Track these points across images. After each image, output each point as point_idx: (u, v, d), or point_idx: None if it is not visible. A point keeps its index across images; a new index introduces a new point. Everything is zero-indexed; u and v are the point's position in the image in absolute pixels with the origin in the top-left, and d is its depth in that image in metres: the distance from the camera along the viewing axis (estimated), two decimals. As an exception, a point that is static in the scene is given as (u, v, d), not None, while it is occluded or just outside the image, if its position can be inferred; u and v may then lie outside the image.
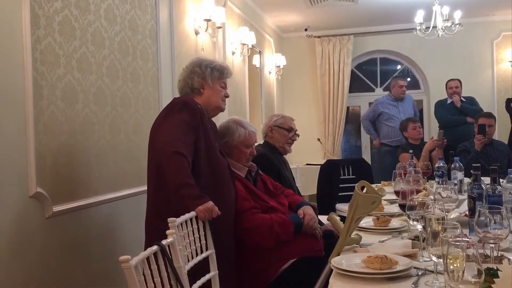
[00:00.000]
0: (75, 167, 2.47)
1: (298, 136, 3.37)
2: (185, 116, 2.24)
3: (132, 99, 3.02)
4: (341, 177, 4.49)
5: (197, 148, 2.25)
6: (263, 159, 3.00)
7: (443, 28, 5.42)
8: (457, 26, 5.40)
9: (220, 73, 2.46)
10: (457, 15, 5.39)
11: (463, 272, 1.17)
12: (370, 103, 7.82)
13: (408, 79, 7.45)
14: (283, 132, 3.26)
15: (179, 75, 2.52)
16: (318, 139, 7.37)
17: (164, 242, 1.65)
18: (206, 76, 2.42)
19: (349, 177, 4.49)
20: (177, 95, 2.55)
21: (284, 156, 3.37)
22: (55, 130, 2.33)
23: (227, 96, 2.51)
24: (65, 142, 2.40)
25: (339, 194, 4.29)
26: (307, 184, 5.94)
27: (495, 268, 1.37)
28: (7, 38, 2.05)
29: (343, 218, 2.26)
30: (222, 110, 2.53)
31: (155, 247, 1.59)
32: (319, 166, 4.73)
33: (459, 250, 1.17)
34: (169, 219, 1.84)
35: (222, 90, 2.47)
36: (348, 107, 7.56)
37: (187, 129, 2.22)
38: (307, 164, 6.74)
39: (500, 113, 6.28)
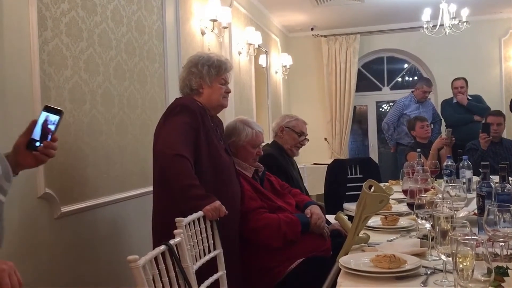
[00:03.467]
0: (82, 168, 2.48)
1: (308, 140, 3.35)
2: (184, 118, 2.24)
3: (139, 99, 3.03)
4: (348, 177, 4.47)
5: (199, 149, 2.25)
6: (270, 159, 2.99)
7: (450, 26, 5.39)
8: (464, 24, 5.37)
9: (218, 70, 2.41)
10: (464, 13, 5.36)
11: (473, 270, 1.16)
12: (377, 102, 7.83)
13: (416, 78, 7.43)
14: (293, 135, 3.23)
15: (179, 76, 2.52)
16: (325, 139, 7.35)
17: (171, 242, 1.66)
18: (203, 76, 2.39)
19: (356, 176, 4.46)
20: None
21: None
22: (62, 131, 2.34)
23: (228, 92, 2.47)
24: (73, 143, 2.41)
25: (347, 193, 4.27)
26: (314, 184, 5.92)
27: (505, 266, 1.36)
28: (15, 40, 2.06)
29: (350, 218, 2.25)
30: (224, 107, 2.51)
31: (162, 247, 1.60)
32: (326, 165, 4.72)
33: (469, 248, 1.16)
34: (177, 219, 1.84)
35: (221, 87, 2.43)
36: (355, 107, 7.54)
37: (187, 130, 2.22)
38: (314, 164, 6.73)
39: (508, 111, 6.23)
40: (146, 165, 2.91)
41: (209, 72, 2.39)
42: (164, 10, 3.39)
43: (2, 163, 1.36)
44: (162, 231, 2.17)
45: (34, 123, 1.43)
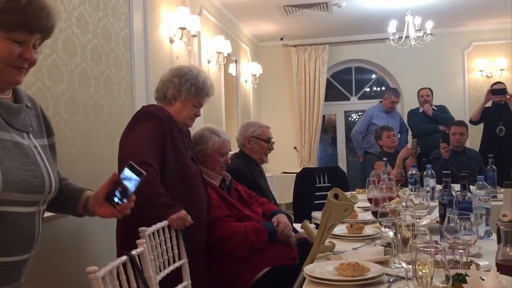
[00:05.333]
0: (45, 176, 2.41)
1: (274, 143, 3.35)
2: (150, 125, 2.21)
3: (105, 107, 2.98)
4: (316, 185, 4.51)
5: (165, 157, 2.22)
6: (238, 173, 2.95)
7: (415, 38, 5.52)
8: (429, 36, 5.51)
9: (198, 91, 2.38)
10: (429, 25, 5.50)
11: (432, 278, 1.18)
12: (346, 112, 7.94)
13: (383, 88, 7.58)
14: (261, 144, 3.20)
15: (161, 76, 2.48)
16: (295, 147, 7.40)
17: (133, 252, 1.63)
18: (181, 90, 2.36)
19: (324, 185, 4.51)
20: (152, 103, 2.53)
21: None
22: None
23: (197, 115, 2.45)
24: (35, 151, 2.35)
25: (315, 202, 4.31)
26: (283, 192, 5.94)
27: (464, 273, 1.39)
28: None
29: (319, 226, 2.26)
30: (188, 127, 2.48)
31: (124, 257, 1.57)
32: (295, 174, 4.74)
33: (428, 256, 1.18)
34: (140, 229, 1.81)
35: (193, 109, 2.39)
36: (324, 116, 7.62)
37: (153, 138, 2.19)
38: (284, 173, 6.76)
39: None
40: (111, 174, 2.86)
41: (189, 89, 2.36)
42: (132, 17, 3.36)
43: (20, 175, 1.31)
44: (127, 240, 2.12)
45: (115, 176, 1.46)
